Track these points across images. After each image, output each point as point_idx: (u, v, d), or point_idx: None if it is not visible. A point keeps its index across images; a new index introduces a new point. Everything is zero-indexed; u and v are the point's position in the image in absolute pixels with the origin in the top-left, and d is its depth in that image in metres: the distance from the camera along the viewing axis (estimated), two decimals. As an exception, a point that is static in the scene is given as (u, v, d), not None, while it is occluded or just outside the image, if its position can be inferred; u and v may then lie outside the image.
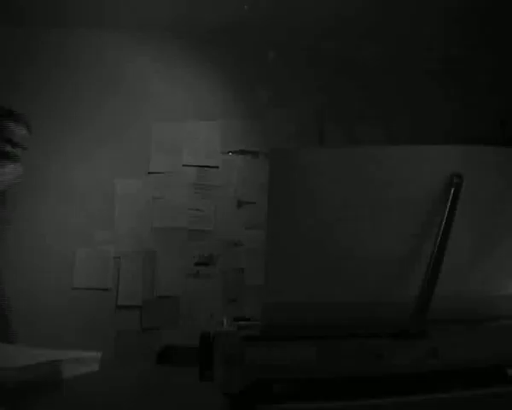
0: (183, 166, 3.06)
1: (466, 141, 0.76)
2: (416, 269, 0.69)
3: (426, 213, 0.69)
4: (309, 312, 0.68)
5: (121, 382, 1.12)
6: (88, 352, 1.14)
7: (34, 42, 3.05)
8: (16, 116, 1.88)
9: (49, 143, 2.96)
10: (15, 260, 2.81)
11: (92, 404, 0.96)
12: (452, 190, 0.68)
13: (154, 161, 3.03)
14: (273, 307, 0.67)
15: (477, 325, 0.72)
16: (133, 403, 0.95)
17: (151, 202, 2.98)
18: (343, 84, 3.26)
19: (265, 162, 2.99)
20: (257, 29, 3.14)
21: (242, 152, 3.14)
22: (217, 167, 3.10)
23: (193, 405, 0.90)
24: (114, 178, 2.96)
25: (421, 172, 0.70)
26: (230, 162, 3.12)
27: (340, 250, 0.69)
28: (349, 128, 3.22)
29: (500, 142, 0.85)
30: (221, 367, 0.66)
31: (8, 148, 1.82)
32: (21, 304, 2.70)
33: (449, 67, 3.33)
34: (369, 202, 0.69)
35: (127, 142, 3.02)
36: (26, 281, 2.76)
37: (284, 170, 0.66)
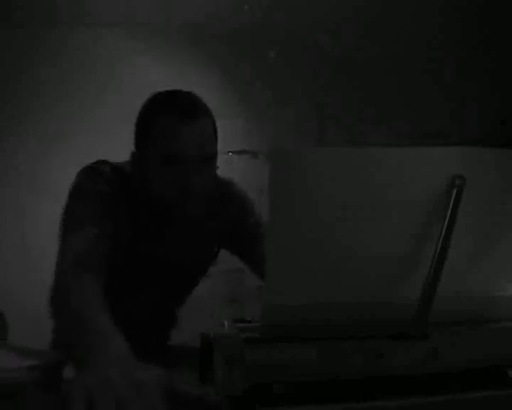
0: (183, 166, 3.06)
1: (466, 141, 0.76)
2: (418, 270, 0.68)
3: (426, 215, 0.69)
4: (309, 313, 0.68)
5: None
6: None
7: (34, 42, 3.05)
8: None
9: (50, 143, 2.96)
10: (15, 260, 2.81)
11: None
12: (454, 192, 0.68)
13: (153, 161, 3.02)
14: (273, 309, 0.67)
15: (477, 326, 0.72)
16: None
17: (151, 201, 2.97)
18: (343, 84, 3.26)
19: (265, 162, 2.99)
20: (257, 29, 3.14)
21: (242, 152, 3.14)
22: (217, 167, 3.10)
23: (192, 405, 0.90)
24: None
25: (422, 173, 0.69)
26: (230, 162, 3.11)
27: (340, 251, 0.68)
28: (349, 128, 3.22)
29: (500, 142, 0.85)
30: (221, 369, 0.65)
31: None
32: (21, 304, 2.70)
33: (449, 67, 3.32)
34: (370, 202, 0.69)
35: (127, 141, 3.01)
36: (25, 281, 2.76)
37: (284, 170, 0.66)
